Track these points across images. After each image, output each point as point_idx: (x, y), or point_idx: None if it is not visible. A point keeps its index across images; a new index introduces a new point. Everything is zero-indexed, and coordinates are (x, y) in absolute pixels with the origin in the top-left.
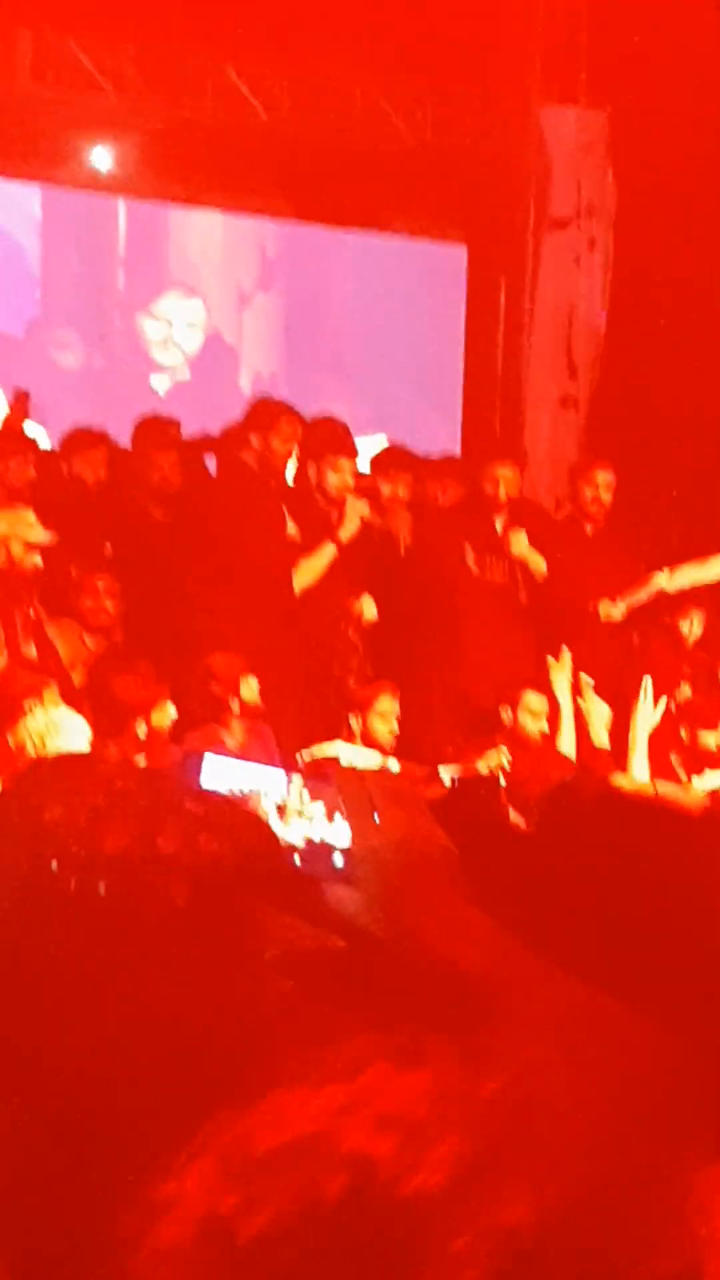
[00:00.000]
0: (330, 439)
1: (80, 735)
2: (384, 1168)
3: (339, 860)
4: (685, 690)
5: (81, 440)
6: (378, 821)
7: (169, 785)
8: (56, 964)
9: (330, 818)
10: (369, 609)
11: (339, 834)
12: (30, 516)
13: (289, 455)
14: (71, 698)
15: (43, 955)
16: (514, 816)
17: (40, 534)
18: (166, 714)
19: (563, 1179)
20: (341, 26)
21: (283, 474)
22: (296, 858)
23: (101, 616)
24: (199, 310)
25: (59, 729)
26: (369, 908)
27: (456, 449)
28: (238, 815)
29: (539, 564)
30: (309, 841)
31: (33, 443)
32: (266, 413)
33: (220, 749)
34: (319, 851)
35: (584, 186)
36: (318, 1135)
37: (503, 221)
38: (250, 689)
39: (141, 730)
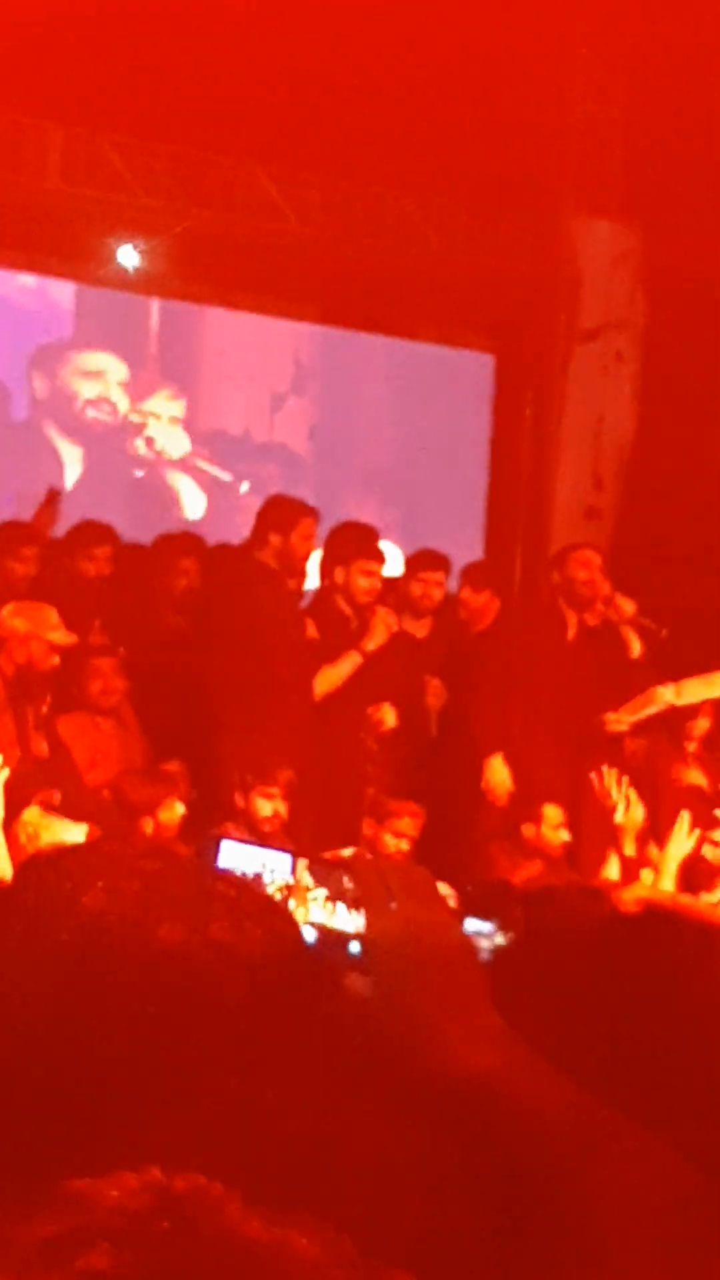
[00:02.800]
0: (358, 543)
1: (78, 834)
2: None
3: (355, 948)
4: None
5: (89, 535)
6: (394, 909)
7: (195, 866)
8: (105, 1057)
9: (338, 902)
10: (389, 717)
11: (346, 920)
12: (54, 616)
13: (309, 553)
14: (82, 795)
15: (90, 1047)
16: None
17: (63, 635)
18: (174, 812)
19: None
20: (374, 134)
21: (303, 573)
22: (311, 942)
23: (112, 696)
24: (182, 409)
25: (55, 828)
26: (384, 997)
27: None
28: (266, 900)
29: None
30: (318, 927)
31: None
32: (285, 511)
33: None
34: (332, 938)
35: (614, 299)
36: None
37: (532, 332)
38: (279, 807)
39: (149, 827)
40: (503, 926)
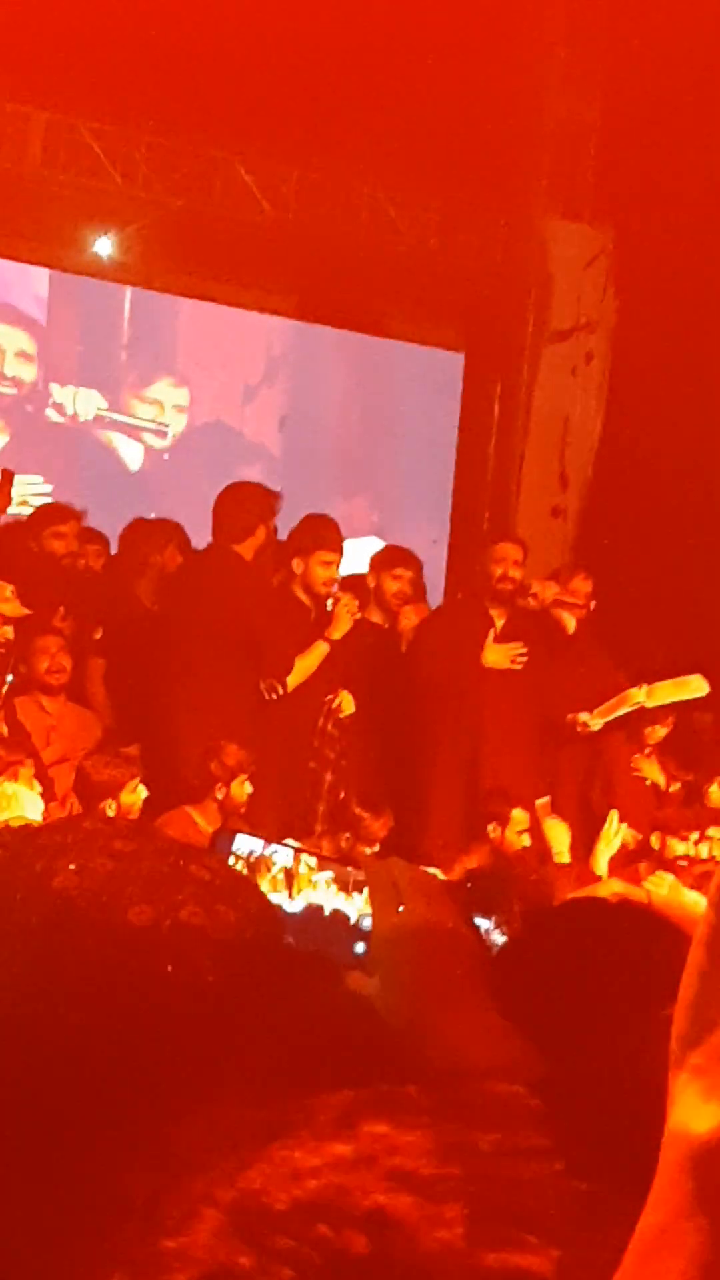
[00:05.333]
0: (317, 535)
1: (35, 811)
2: (404, 1226)
3: (359, 948)
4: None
5: (53, 515)
6: (401, 910)
7: (170, 846)
8: (77, 1039)
9: (341, 889)
10: (348, 703)
11: (348, 906)
12: (8, 591)
13: (274, 539)
14: (41, 774)
15: (63, 1029)
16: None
17: (15, 607)
18: (138, 795)
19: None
20: (352, 129)
21: (272, 559)
22: (305, 931)
23: (59, 676)
24: (186, 397)
25: (19, 804)
26: (387, 995)
27: (444, 553)
28: (242, 882)
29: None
30: (318, 910)
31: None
32: (266, 499)
33: (193, 832)
34: (334, 931)
35: (584, 301)
36: (333, 1192)
37: (501, 331)
38: (241, 789)
39: (110, 809)
40: (500, 922)
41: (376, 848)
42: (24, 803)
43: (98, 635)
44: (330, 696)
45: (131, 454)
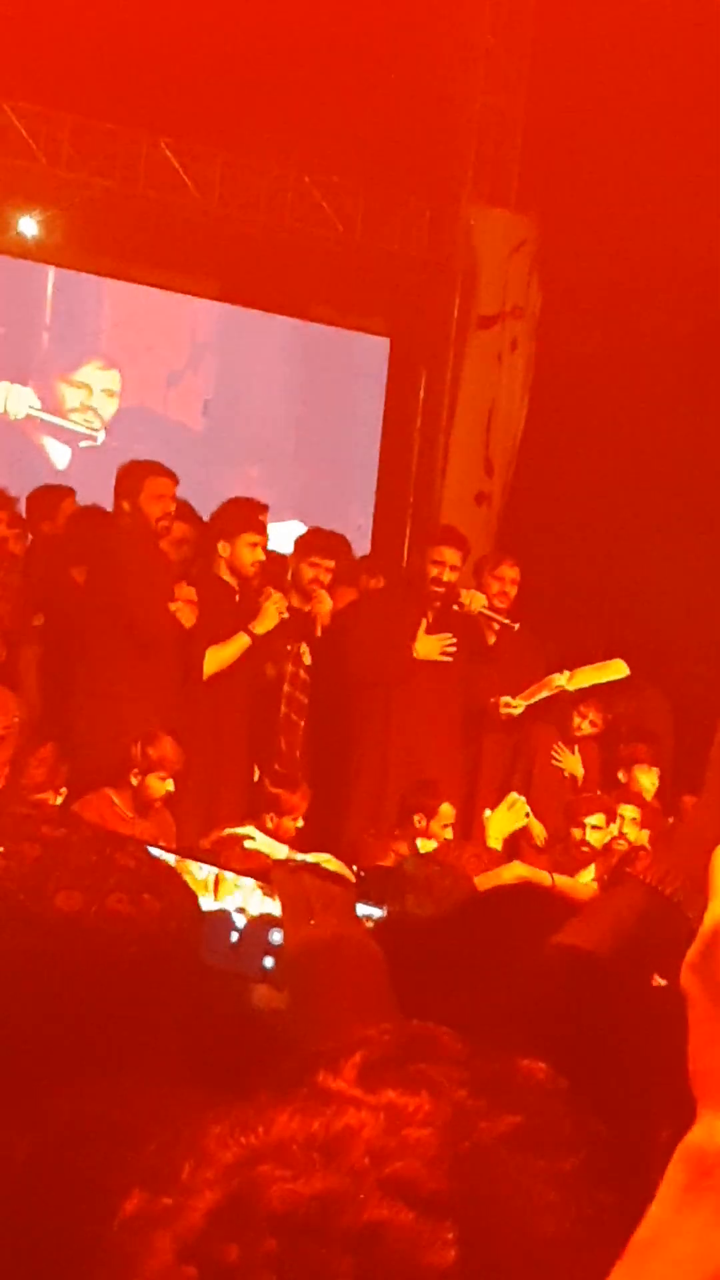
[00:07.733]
0: (242, 517)
1: None
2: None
3: (269, 962)
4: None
5: None
6: (313, 924)
7: (96, 834)
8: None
9: (266, 894)
10: (307, 655)
11: (273, 907)
12: None
13: (164, 514)
14: None
15: None
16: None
17: None
18: (60, 794)
19: None
20: (279, 114)
21: (162, 534)
22: (231, 935)
23: None
24: (116, 380)
25: None
26: (294, 1005)
27: (368, 539)
28: (166, 872)
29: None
30: (243, 913)
31: None
32: (132, 475)
33: (112, 814)
34: (249, 940)
35: (510, 288)
36: (328, 1198)
37: (427, 317)
38: (159, 785)
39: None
40: (391, 911)
41: (300, 822)
42: None
43: (38, 622)
44: (288, 655)
45: (58, 453)
